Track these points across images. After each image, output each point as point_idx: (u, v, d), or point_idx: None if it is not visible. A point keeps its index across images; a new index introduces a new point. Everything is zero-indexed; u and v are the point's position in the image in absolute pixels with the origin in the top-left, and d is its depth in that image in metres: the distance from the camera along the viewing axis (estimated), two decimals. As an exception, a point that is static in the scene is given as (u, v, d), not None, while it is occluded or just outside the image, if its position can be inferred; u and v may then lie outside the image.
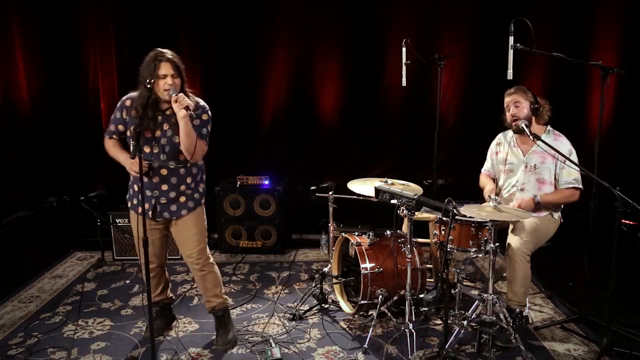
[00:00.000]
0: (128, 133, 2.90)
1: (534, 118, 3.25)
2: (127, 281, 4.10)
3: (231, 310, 3.43)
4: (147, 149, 2.89)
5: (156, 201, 2.93)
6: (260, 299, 3.75)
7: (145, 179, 2.85)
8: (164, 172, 2.90)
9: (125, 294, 3.87)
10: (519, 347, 2.84)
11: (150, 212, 2.93)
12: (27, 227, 4.75)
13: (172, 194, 2.93)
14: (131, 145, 2.78)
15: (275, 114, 5.31)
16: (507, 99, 3.29)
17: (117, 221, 4.48)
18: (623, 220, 3.01)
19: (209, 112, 2.98)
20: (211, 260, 3.12)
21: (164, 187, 2.92)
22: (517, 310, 3.14)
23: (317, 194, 3.87)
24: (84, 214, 4.49)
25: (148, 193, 2.91)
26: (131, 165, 2.82)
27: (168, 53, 2.81)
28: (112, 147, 2.98)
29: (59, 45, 5.08)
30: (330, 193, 3.72)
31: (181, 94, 2.79)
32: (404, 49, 3.80)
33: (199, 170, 3.04)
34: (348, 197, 3.73)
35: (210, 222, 3.49)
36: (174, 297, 3.52)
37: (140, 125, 2.68)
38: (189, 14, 5.07)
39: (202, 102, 2.97)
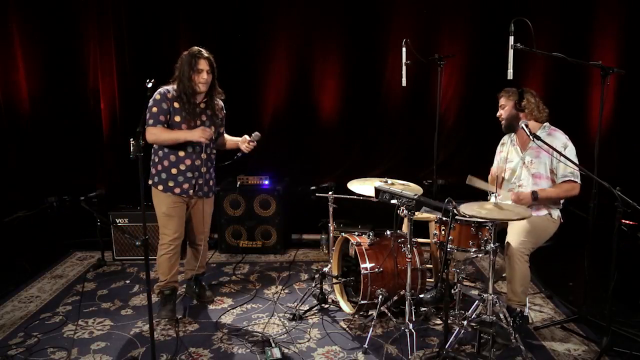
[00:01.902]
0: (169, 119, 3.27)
1: (525, 115, 3.26)
2: (127, 281, 4.11)
3: (231, 310, 3.57)
4: None
5: (195, 181, 3.36)
6: (260, 299, 3.75)
7: (189, 162, 3.30)
8: (204, 156, 3.35)
9: (125, 294, 3.87)
10: (519, 347, 2.84)
11: (191, 191, 3.36)
12: (27, 227, 4.74)
13: (207, 176, 3.43)
14: (131, 145, 2.82)
15: (275, 114, 5.29)
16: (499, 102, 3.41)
17: (117, 221, 4.48)
18: (623, 220, 3.01)
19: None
20: None
21: (203, 170, 3.37)
22: (517, 310, 3.14)
23: (317, 194, 3.87)
24: (84, 214, 4.49)
25: (189, 175, 3.32)
26: (200, 135, 3.20)
27: (205, 52, 3.25)
28: (163, 131, 3.23)
29: (59, 45, 5.06)
30: (330, 193, 3.72)
31: (254, 142, 3.40)
32: (404, 49, 3.80)
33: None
34: (348, 197, 3.73)
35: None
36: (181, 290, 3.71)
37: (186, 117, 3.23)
38: (189, 14, 5.05)
39: (221, 103, 3.45)
